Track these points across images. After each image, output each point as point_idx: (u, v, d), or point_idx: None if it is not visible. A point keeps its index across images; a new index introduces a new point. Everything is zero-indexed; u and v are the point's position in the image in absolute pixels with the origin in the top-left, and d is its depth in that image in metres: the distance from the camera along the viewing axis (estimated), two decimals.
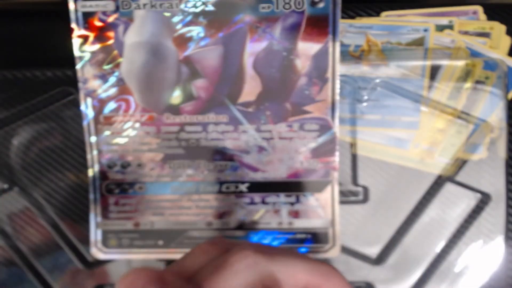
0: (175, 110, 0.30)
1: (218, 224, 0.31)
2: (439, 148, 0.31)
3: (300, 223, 0.31)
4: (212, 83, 0.30)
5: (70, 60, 0.30)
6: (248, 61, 0.29)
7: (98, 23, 0.29)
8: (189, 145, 0.30)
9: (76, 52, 0.29)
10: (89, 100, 0.30)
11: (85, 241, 0.32)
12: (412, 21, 0.32)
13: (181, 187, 0.31)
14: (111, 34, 0.29)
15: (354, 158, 0.32)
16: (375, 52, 0.32)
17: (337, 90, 0.30)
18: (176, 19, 0.29)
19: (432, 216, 0.32)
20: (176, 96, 0.30)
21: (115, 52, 0.29)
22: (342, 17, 0.32)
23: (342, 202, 0.31)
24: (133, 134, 0.30)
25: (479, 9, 0.32)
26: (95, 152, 0.31)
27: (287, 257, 0.19)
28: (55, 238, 0.32)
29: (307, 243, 0.31)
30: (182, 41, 0.29)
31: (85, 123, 0.30)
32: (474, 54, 0.32)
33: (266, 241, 0.31)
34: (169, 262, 0.32)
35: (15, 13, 0.32)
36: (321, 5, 0.29)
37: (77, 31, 0.29)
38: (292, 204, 0.31)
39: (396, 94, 0.31)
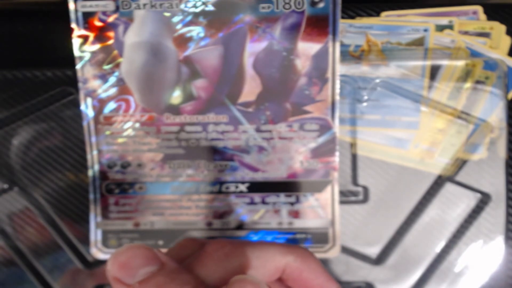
0: (175, 110, 0.30)
1: (218, 224, 0.31)
2: (439, 148, 0.31)
3: (300, 223, 0.31)
4: (212, 83, 0.30)
5: (70, 60, 0.30)
6: (248, 61, 0.29)
7: (98, 23, 0.29)
8: (189, 145, 0.30)
9: (76, 52, 0.29)
10: (89, 100, 0.30)
11: (85, 241, 0.32)
12: (412, 21, 0.32)
13: (181, 187, 0.31)
14: (111, 34, 0.29)
15: (354, 158, 0.32)
16: (375, 52, 0.32)
17: (337, 90, 0.30)
18: (176, 19, 0.29)
19: (432, 216, 0.32)
20: (176, 96, 0.30)
21: (115, 52, 0.29)
22: (342, 17, 0.32)
23: (342, 202, 0.31)
24: (133, 134, 0.30)
25: (479, 9, 0.32)
26: (95, 152, 0.31)
27: (262, 244, 0.20)
28: (55, 238, 0.32)
29: (307, 243, 0.31)
30: (182, 41, 0.29)
31: (85, 123, 0.30)
32: (474, 54, 0.32)
33: None
34: None
35: (15, 13, 0.32)
36: (321, 5, 0.29)
37: (77, 31, 0.29)
38: (292, 204, 0.31)
39: (396, 94, 0.31)
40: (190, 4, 0.29)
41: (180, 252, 0.20)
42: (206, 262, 0.19)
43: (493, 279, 0.31)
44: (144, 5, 0.29)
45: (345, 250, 0.32)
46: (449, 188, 0.31)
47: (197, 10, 0.29)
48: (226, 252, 0.19)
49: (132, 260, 0.17)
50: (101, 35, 0.29)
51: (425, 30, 0.31)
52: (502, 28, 0.31)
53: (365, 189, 0.32)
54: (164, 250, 0.31)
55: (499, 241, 0.31)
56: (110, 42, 0.29)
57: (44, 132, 0.32)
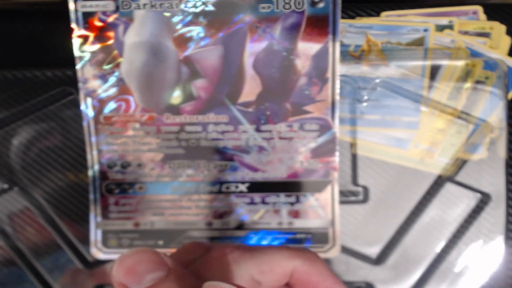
0: (175, 110, 0.30)
1: (218, 224, 0.31)
2: (439, 148, 0.31)
3: (300, 223, 0.31)
4: (212, 83, 0.30)
5: (70, 60, 0.30)
6: (248, 61, 0.29)
7: (98, 23, 0.29)
8: (189, 145, 0.30)
9: (76, 52, 0.29)
10: (89, 100, 0.30)
11: (85, 241, 0.32)
12: (412, 21, 0.32)
13: (181, 187, 0.31)
14: (111, 34, 0.29)
15: (354, 158, 0.32)
16: (375, 52, 0.32)
17: (337, 90, 0.30)
18: (176, 19, 0.29)
19: (432, 216, 0.32)
20: (176, 96, 0.30)
21: (115, 52, 0.29)
22: (342, 17, 0.32)
23: (342, 202, 0.31)
24: (133, 134, 0.30)
25: (479, 9, 0.32)
26: (95, 152, 0.31)
27: (269, 249, 0.20)
28: (55, 238, 0.32)
29: (307, 243, 0.31)
30: (182, 41, 0.29)
31: (85, 123, 0.30)
32: (474, 54, 0.32)
33: (266, 241, 0.31)
34: None
35: (15, 13, 0.32)
36: (321, 5, 0.29)
37: (77, 31, 0.29)
38: (292, 204, 0.31)
39: (396, 94, 0.31)
40: (190, 4, 0.29)
41: (185, 256, 0.20)
42: (213, 267, 0.18)
43: (493, 279, 0.31)
44: (144, 5, 0.29)
45: (345, 250, 0.32)
46: (449, 188, 0.31)
47: (197, 10, 0.29)
48: (234, 257, 0.19)
49: (138, 265, 0.16)
50: (101, 35, 0.29)
51: (425, 30, 0.31)
52: (502, 28, 0.31)
53: (365, 189, 0.32)
54: (165, 251, 0.31)
55: (499, 241, 0.31)
56: (110, 42, 0.29)
57: (44, 132, 0.32)
